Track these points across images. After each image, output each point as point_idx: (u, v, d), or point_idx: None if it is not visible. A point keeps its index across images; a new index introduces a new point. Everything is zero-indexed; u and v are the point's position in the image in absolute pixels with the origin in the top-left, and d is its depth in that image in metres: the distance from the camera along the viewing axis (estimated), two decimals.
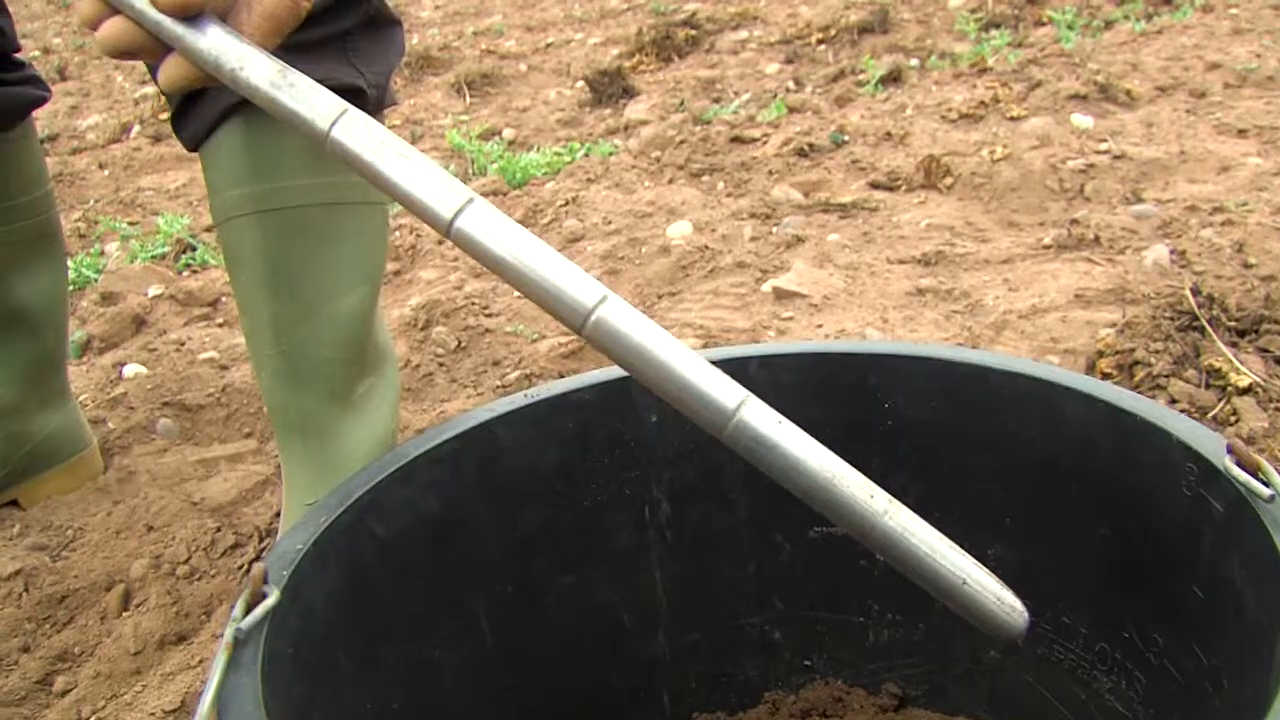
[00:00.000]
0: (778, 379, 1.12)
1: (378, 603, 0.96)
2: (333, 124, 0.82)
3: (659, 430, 1.10)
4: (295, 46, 1.38)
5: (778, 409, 1.13)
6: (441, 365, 2.38)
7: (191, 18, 0.85)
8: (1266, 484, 0.79)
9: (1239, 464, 0.83)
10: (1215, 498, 0.86)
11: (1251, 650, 0.78)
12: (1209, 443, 0.88)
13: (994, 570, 1.11)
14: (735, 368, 1.12)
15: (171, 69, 0.87)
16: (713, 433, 0.79)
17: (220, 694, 0.72)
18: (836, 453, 1.14)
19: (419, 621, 1.01)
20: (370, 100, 1.46)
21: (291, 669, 0.81)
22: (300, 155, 1.42)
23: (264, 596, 0.81)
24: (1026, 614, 0.83)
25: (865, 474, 1.14)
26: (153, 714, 1.48)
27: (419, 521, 1.00)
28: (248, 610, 0.79)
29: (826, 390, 1.12)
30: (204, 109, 1.42)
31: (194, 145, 1.46)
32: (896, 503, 0.80)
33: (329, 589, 0.89)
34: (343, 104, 0.84)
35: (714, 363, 1.12)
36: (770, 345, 1.15)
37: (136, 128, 5.16)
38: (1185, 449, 0.89)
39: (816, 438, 1.14)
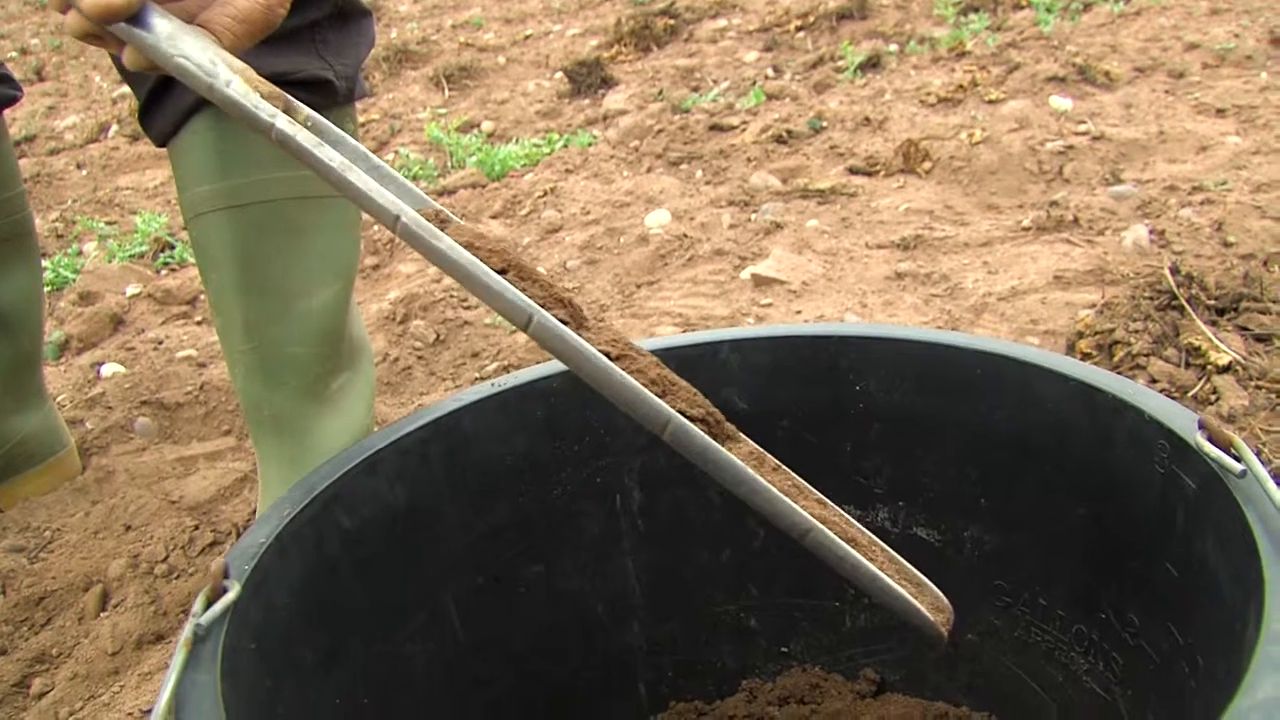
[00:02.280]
0: (749, 362, 1.11)
1: (344, 596, 0.95)
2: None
3: (629, 418, 1.09)
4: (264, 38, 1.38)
5: (749, 393, 1.13)
6: (420, 358, 2.36)
7: (135, 18, 0.84)
8: (1238, 459, 0.78)
9: (1211, 440, 0.82)
10: (1188, 475, 0.85)
11: (1224, 627, 0.77)
12: (1181, 419, 0.87)
13: (970, 554, 1.11)
14: (706, 352, 1.12)
15: (129, 55, 0.87)
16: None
17: (178, 691, 0.71)
18: (810, 436, 1.14)
19: (387, 614, 1.00)
20: (339, 92, 1.45)
21: (254, 665, 0.79)
22: (270, 149, 1.41)
23: (224, 591, 0.79)
24: (944, 622, 0.83)
25: (838, 458, 1.14)
26: (130, 714, 1.47)
27: (386, 513, 0.99)
28: (208, 605, 0.78)
29: (798, 373, 1.11)
30: (171, 105, 1.40)
31: (162, 141, 1.45)
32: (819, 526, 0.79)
33: (293, 583, 0.88)
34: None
35: (685, 347, 1.12)
36: (741, 329, 1.14)
37: (114, 127, 5.13)
38: (1158, 426, 0.88)
39: (789, 422, 1.14)
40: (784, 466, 0.83)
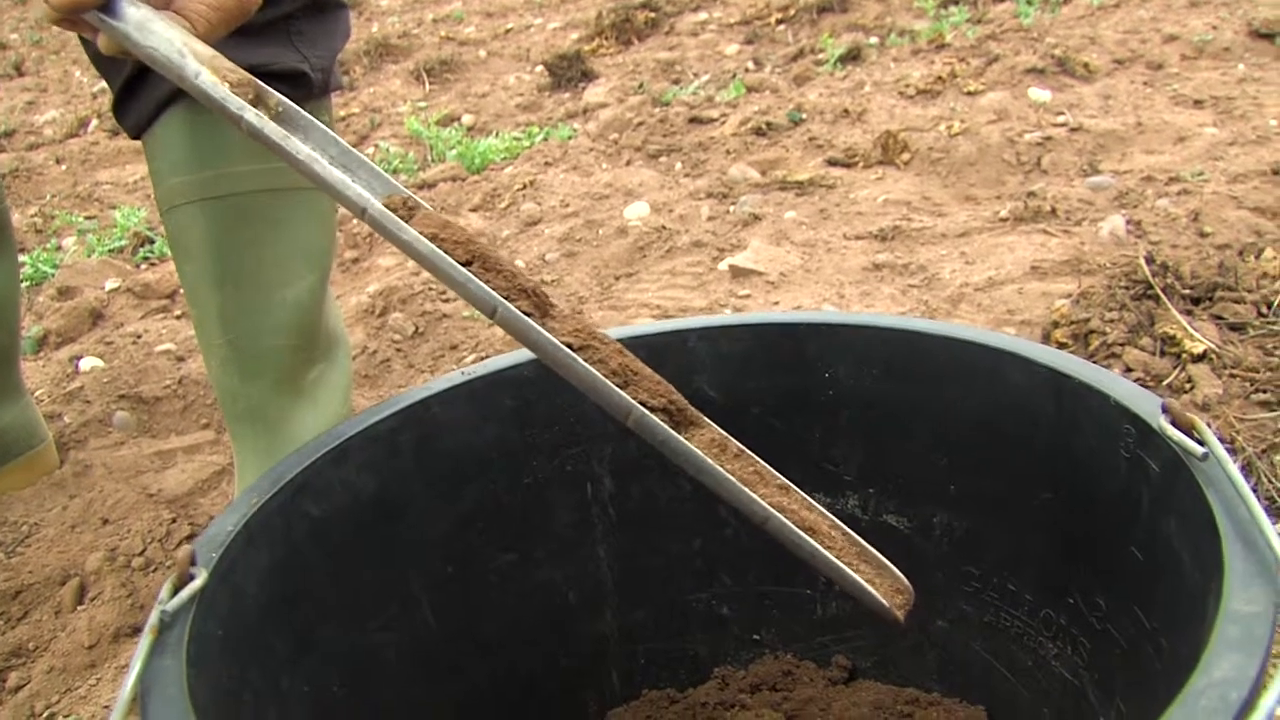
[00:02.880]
0: (718, 350, 1.11)
1: (313, 584, 0.95)
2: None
3: (599, 406, 1.09)
4: (239, 30, 1.37)
5: (719, 381, 1.13)
6: (399, 351, 2.36)
7: (106, 6, 0.84)
8: (1200, 442, 0.79)
9: (1174, 424, 0.82)
10: (1152, 458, 0.85)
11: (1188, 610, 0.77)
12: (1146, 403, 0.87)
13: (940, 540, 1.11)
14: (675, 340, 1.12)
15: (103, 40, 0.87)
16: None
17: (143, 678, 0.71)
18: (779, 424, 1.14)
19: (357, 603, 1.00)
20: (314, 84, 1.44)
21: (220, 652, 0.80)
22: (245, 141, 1.40)
23: (191, 579, 0.80)
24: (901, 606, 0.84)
25: (808, 445, 1.14)
26: (107, 706, 1.47)
27: (355, 502, 0.99)
28: (174, 593, 0.78)
29: (767, 361, 1.12)
30: (146, 97, 1.40)
31: (137, 133, 1.45)
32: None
33: (261, 571, 0.88)
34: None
35: (654, 335, 1.12)
36: (709, 318, 1.14)
37: (94, 122, 5.12)
38: (1122, 410, 0.88)
39: (759, 410, 1.14)
40: (747, 452, 0.84)
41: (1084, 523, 0.97)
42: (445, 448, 1.06)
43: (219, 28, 0.86)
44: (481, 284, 0.79)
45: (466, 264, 0.80)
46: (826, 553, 0.80)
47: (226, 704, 0.78)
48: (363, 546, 1.00)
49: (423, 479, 1.04)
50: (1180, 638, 0.81)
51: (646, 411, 0.79)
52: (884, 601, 0.81)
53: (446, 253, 0.79)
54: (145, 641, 0.73)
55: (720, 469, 0.79)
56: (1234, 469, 0.75)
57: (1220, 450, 0.77)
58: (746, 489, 0.80)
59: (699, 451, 0.80)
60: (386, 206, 0.81)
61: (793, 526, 0.80)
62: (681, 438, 0.80)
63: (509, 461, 1.10)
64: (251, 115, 0.81)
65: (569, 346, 0.80)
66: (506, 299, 0.80)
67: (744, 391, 1.13)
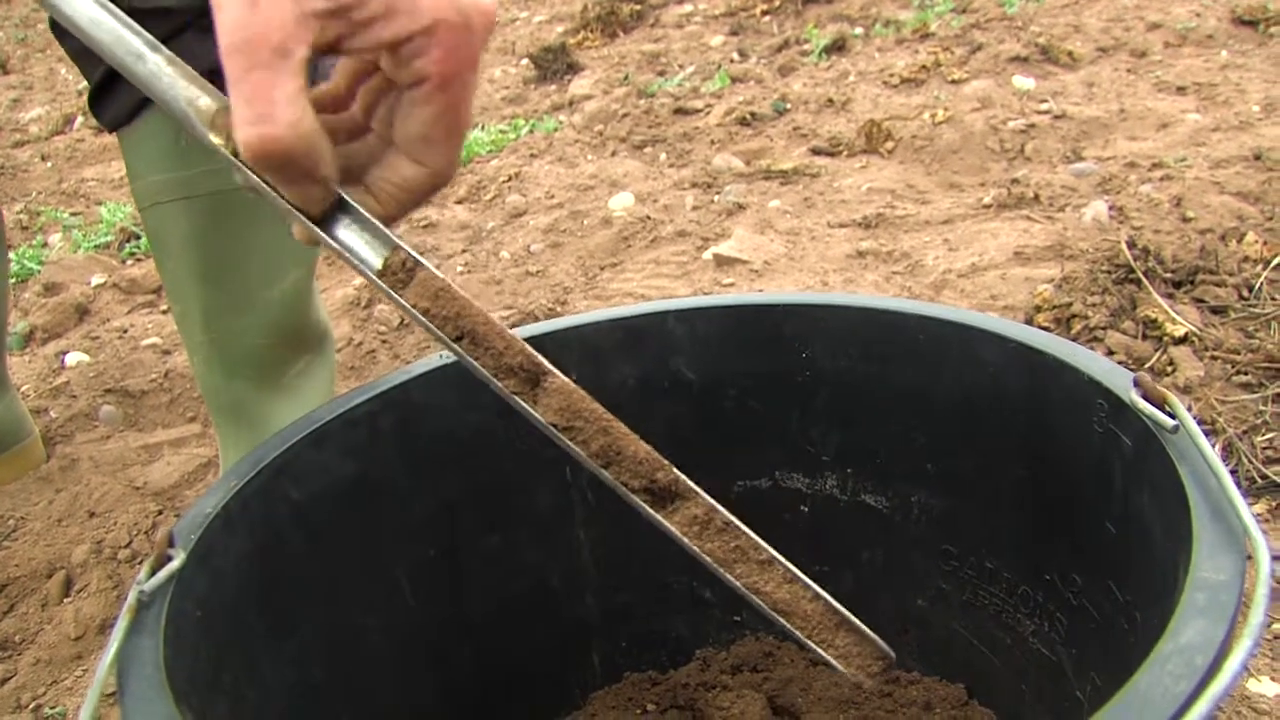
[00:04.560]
0: (696, 332, 1.11)
1: (294, 568, 0.95)
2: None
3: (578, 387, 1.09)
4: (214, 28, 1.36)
5: (697, 362, 1.14)
6: (384, 342, 2.37)
7: None
8: (1172, 416, 0.79)
9: (1146, 397, 0.83)
10: (1124, 433, 0.86)
11: (1160, 583, 0.78)
12: (1118, 378, 0.88)
13: (918, 519, 1.12)
14: (653, 322, 1.12)
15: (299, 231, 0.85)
16: None
17: (120, 656, 0.72)
18: (758, 405, 1.14)
19: (339, 587, 1.00)
20: None
21: (199, 634, 0.80)
22: None
23: (169, 560, 0.80)
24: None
25: (786, 426, 1.15)
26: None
27: (335, 485, 0.99)
28: (152, 574, 0.78)
29: (744, 342, 1.12)
30: (127, 91, 1.38)
31: (114, 127, 1.44)
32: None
33: (240, 553, 0.88)
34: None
35: (633, 318, 1.12)
36: (687, 299, 1.14)
37: (80, 119, 5.11)
38: (1095, 385, 0.89)
39: (737, 391, 1.14)
40: (734, 523, 0.85)
41: (1059, 499, 0.97)
42: (425, 431, 1.06)
43: (407, 210, 0.83)
44: (471, 360, 0.82)
45: (457, 339, 0.82)
46: (798, 633, 0.85)
47: (206, 685, 0.78)
48: (343, 530, 1.00)
49: (403, 463, 1.04)
50: (1153, 610, 0.81)
51: (627, 492, 0.82)
52: (851, 674, 0.85)
53: (437, 327, 0.81)
54: (123, 621, 0.74)
55: (697, 550, 0.83)
56: (1204, 441, 0.75)
57: (1191, 423, 0.77)
58: (722, 569, 0.83)
59: (676, 532, 0.82)
60: (386, 267, 0.81)
61: (766, 609, 0.83)
62: (660, 517, 0.82)
63: (488, 445, 1.10)
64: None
65: (555, 426, 0.83)
66: (495, 377, 0.82)
67: (722, 372, 1.13)
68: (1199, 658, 0.58)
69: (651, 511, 0.82)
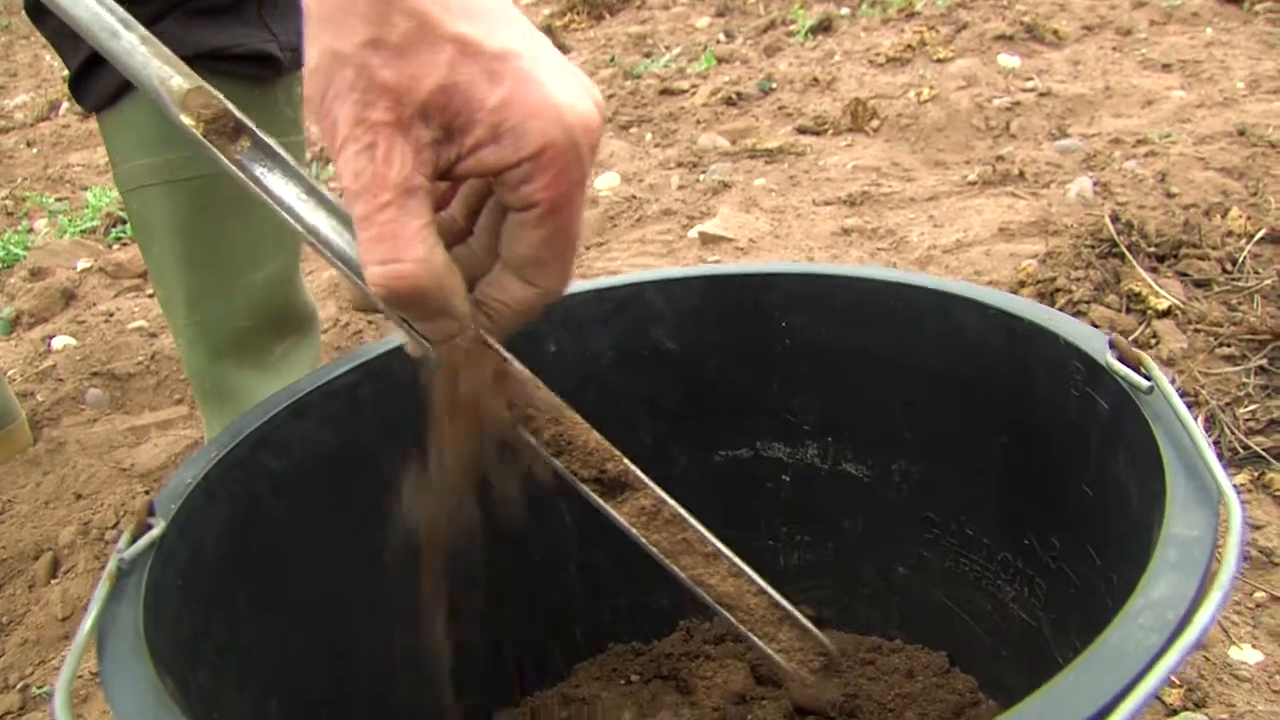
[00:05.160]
0: (676, 302, 1.11)
1: (275, 538, 0.95)
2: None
3: (558, 358, 1.09)
4: (205, 10, 1.35)
5: (677, 333, 1.14)
6: (371, 323, 2.36)
7: None
8: (1147, 377, 0.80)
9: (1121, 359, 0.83)
10: (1100, 395, 0.86)
11: (1135, 545, 0.78)
12: (1094, 342, 0.88)
13: (899, 486, 1.12)
14: (633, 293, 1.12)
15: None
16: None
17: (100, 623, 0.72)
18: (738, 375, 1.14)
19: (320, 557, 0.99)
20: (284, 64, 1.42)
21: (180, 602, 0.80)
22: None
23: (149, 529, 0.80)
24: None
25: (767, 396, 1.15)
26: (80, 676, 1.47)
27: (316, 456, 0.99)
28: (132, 542, 0.78)
29: (724, 313, 1.12)
30: (110, 72, 1.37)
31: (96, 109, 1.43)
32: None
33: (222, 523, 0.88)
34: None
35: (614, 288, 1.12)
36: (667, 270, 1.15)
37: (65, 105, 5.10)
38: (1071, 349, 0.89)
39: (717, 361, 1.15)
40: (681, 515, 0.84)
41: (1037, 464, 0.98)
42: (406, 402, 1.05)
43: (518, 325, 0.78)
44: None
45: None
46: (741, 626, 0.84)
47: (187, 654, 0.78)
48: (324, 500, 1.00)
49: (385, 433, 1.04)
50: (1130, 572, 0.82)
51: (576, 481, 0.82)
52: (792, 670, 0.84)
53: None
54: (103, 588, 0.74)
55: (644, 541, 0.83)
56: (1178, 401, 0.76)
57: (1165, 383, 0.78)
58: (668, 561, 0.83)
59: (624, 523, 0.83)
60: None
61: (710, 601, 0.83)
62: (609, 508, 0.82)
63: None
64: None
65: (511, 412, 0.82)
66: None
67: (702, 343, 1.14)
68: (1170, 612, 0.59)
69: (600, 501, 0.82)
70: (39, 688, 1.48)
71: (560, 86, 0.66)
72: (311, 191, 0.79)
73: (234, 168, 0.78)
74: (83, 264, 3.03)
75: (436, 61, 0.64)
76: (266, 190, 0.79)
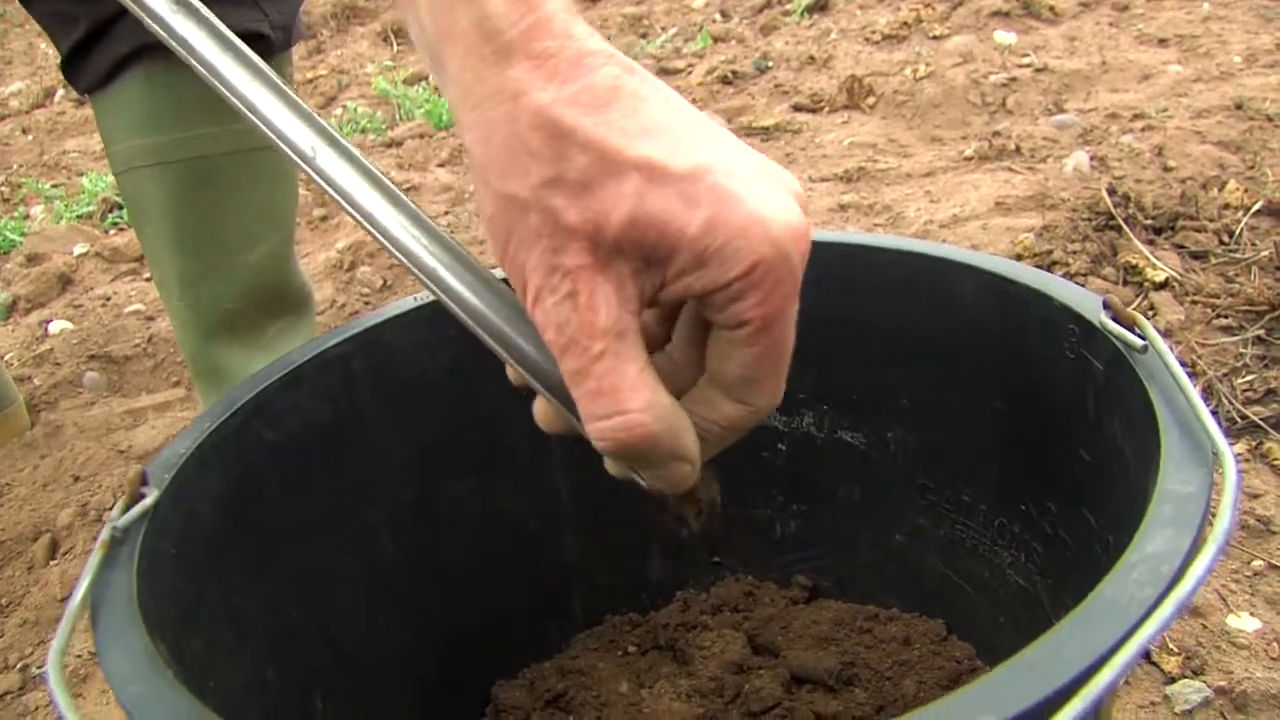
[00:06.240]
0: None
1: (269, 509, 0.95)
2: None
3: None
4: None
5: None
6: (367, 303, 2.36)
7: None
8: (1141, 336, 0.79)
9: (1115, 319, 0.83)
10: (1096, 357, 0.86)
11: (1130, 506, 0.78)
12: (1088, 302, 0.88)
13: (895, 454, 1.12)
14: None
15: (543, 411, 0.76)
16: None
17: (93, 590, 0.72)
18: None
19: (315, 529, 0.99)
20: (275, 43, 1.41)
21: (174, 570, 0.80)
22: (204, 104, 1.37)
23: (143, 498, 0.80)
24: None
25: None
26: (79, 656, 1.47)
27: (310, 427, 0.99)
28: (125, 511, 0.78)
29: None
30: (102, 54, 1.37)
31: (88, 90, 1.43)
32: None
33: (215, 493, 0.88)
34: None
35: None
36: None
37: (60, 92, 5.09)
38: (1066, 311, 0.89)
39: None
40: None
41: (1033, 428, 0.97)
42: (400, 374, 1.06)
43: (724, 445, 0.72)
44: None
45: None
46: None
47: (181, 623, 0.78)
48: (318, 471, 1.00)
49: (377, 405, 1.04)
50: (1125, 533, 0.81)
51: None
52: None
53: None
54: (96, 556, 0.74)
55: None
56: (1172, 359, 0.75)
57: (1159, 342, 0.77)
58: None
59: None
60: None
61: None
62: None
63: (464, 388, 1.09)
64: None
65: None
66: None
67: None
68: (1164, 566, 0.59)
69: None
70: (39, 668, 1.48)
71: (761, 197, 0.61)
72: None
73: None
74: (79, 249, 3.03)
75: (623, 193, 0.58)
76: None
